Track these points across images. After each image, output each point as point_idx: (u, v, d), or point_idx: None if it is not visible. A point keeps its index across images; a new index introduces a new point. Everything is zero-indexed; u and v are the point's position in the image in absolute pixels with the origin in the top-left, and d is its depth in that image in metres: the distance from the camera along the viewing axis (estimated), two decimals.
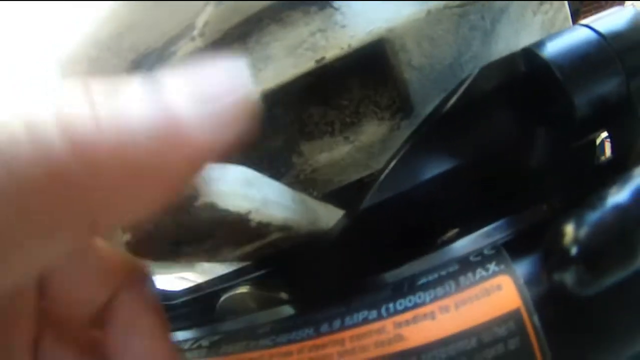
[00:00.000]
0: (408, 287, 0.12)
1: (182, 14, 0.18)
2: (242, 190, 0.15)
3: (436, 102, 0.20)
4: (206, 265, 0.26)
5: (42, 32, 0.18)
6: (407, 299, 0.12)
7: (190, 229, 0.15)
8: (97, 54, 0.19)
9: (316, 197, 0.21)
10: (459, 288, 0.11)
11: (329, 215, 0.20)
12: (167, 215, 0.14)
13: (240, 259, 0.19)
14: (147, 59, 0.18)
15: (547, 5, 0.22)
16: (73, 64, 0.19)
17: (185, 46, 0.18)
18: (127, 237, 0.15)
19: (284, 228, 0.17)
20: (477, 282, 0.11)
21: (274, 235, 0.17)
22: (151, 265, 0.25)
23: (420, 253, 0.13)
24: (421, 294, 0.11)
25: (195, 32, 0.18)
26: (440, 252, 0.13)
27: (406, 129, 0.20)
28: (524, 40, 0.22)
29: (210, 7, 0.17)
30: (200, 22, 0.17)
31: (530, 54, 0.14)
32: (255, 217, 0.15)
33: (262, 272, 0.17)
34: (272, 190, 0.16)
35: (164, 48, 0.18)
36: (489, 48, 0.20)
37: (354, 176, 0.21)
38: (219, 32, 0.18)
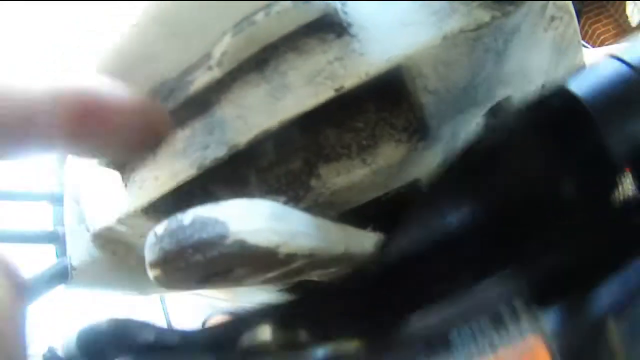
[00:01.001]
0: (441, 343, 0.12)
1: (198, 43, 0.18)
2: (270, 225, 0.15)
3: (451, 124, 0.21)
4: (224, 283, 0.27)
5: (56, 61, 0.19)
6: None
7: (220, 265, 0.15)
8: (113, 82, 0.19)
9: (333, 218, 0.21)
10: (493, 348, 0.11)
11: (348, 237, 0.21)
12: (198, 253, 0.14)
13: (263, 284, 0.20)
14: (163, 89, 0.19)
15: (557, 21, 0.22)
16: None
17: (202, 76, 0.18)
18: (156, 272, 0.15)
19: (308, 257, 0.17)
20: (511, 343, 0.11)
21: (298, 263, 0.18)
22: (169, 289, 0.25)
23: (447, 299, 0.14)
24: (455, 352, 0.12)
25: (212, 62, 0.18)
26: (469, 299, 0.14)
27: (423, 151, 0.20)
28: (536, 57, 0.23)
29: (227, 37, 0.18)
30: (217, 52, 0.18)
31: (562, 92, 0.14)
32: (283, 250, 0.16)
33: (283, 310, 0.18)
34: (299, 221, 0.17)
35: (180, 78, 0.18)
36: (501, 68, 0.21)
37: (370, 197, 0.22)
38: (236, 62, 0.18)
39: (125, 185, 0.21)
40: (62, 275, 0.24)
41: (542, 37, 0.22)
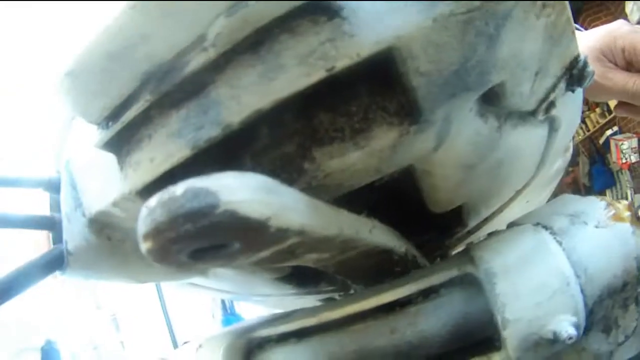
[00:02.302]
0: None
1: (193, 25, 0.19)
2: (261, 197, 0.16)
3: (444, 108, 0.21)
4: (219, 271, 0.27)
5: (53, 43, 0.19)
6: None
7: (211, 235, 0.15)
8: (109, 65, 0.19)
9: (327, 202, 0.22)
10: None
11: (341, 220, 0.22)
12: (189, 222, 0.15)
13: (256, 265, 0.20)
14: (159, 70, 0.19)
15: (549, 8, 0.23)
16: (85, 74, 0.20)
17: (197, 57, 0.19)
18: (148, 244, 0.16)
19: (300, 233, 0.18)
20: None
21: (290, 241, 0.18)
22: (164, 273, 0.26)
23: None
24: None
25: (207, 43, 0.19)
26: None
27: (416, 134, 0.21)
28: (529, 44, 0.23)
29: (221, 18, 0.18)
30: (212, 33, 0.18)
31: None
32: (275, 223, 0.16)
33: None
34: (289, 196, 0.17)
35: (176, 59, 0.19)
36: (494, 53, 0.22)
37: (364, 181, 0.23)
38: (231, 43, 0.19)
39: (121, 169, 0.22)
40: (57, 261, 0.24)
41: (534, 24, 0.23)
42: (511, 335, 0.22)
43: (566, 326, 0.22)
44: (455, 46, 0.20)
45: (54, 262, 0.24)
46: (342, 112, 0.21)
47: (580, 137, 3.41)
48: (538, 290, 0.22)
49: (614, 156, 3.22)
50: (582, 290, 0.23)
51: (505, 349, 0.23)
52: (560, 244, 0.23)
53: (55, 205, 0.26)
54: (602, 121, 3.30)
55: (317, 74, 0.18)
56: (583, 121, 3.33)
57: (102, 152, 0.23)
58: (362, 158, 0.21)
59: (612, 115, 3.18)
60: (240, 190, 0.15)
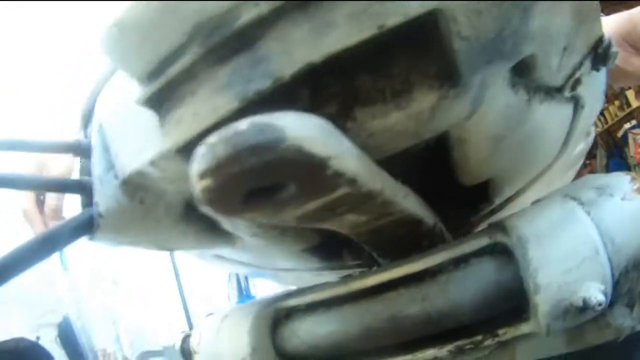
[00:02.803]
0: None
1: None
2: (325, 136, 0.16)
3: (480, 74, 0.22)
4: (247, 240, 0.27)
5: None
6: None
7: (274, 172, 0.16)
8: (159, 17, 0.20)
9: None
10: None
11: (384, 179, 0.22)
12: (254, 156, 0.15)
13: (299, 221, 0.21)
14: (209, 24, 0.20)
15: None
16: (134, 26, 0.20)
17: (249, 12, 0.19)
18: (206, 182, 0.16)
19: (351, 182, 0.18)
20: None
21: (341, 191, 0.19)
22: (194, 241, 0.26)
23: None
24: None
25: None
26: None
27: (454, 99, 0.22)
28: (558, 19, 0.25)
29: None
30: None
31: None
32: (334, 165, 0.16)
33: None
34: (346, 142, 0.18)
35: (228, 13, 0.20)
36: (526, 24, 0.23)
37: (403, 144, 0.23)
38: None
39: (162, 126, 0.22)
40: (86, 225, 0.24)
41: (564, 0, 0.24)
42: (542, 301, 0.23)
43: (595, 293, 0.23)
44: (493, 14, 0.21)
45: (83, 226, 0.24)
46: (384, 73, 0.21)
47: (598, 129, 3.35)
48: (568, 257, 0.23)
49: (631, 150, 3.20)
50: (609, 259, 0.24)
51: (535, 317, 0.24)
52: (588, 213, 0.24)
53: (85, 170, 0.26)
54: (621, 114, 3.27)
55: (369, 31, 0.19)
56: (601, 114, 3.30)
57: (138, 112, 0.23)
58: (402, 119, 0.21)
59: (630, 109, 3.15)
60: (306, 128, 0.16)
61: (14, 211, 0.38)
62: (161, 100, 0.22)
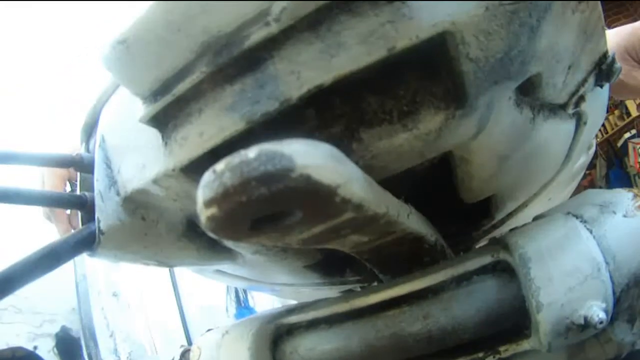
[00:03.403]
0: None
1: None
2: (334, 164, 0.16)
3: (487, 95, 0.22)
4: (248, 257, 0.27)
5: (111, 12, 0.19)
6: None
7: (282, 201, 0.16)
8: (166, 35, 0.20)
9: None
10: None
11: (388, 200, 0.22)
12: (263, 186, 0.15)
13: (303, 243, 0.21)
14: (217, 43, 0.20)
15: (584, 4, 0.24)
16: (140, 44, 0.20)
17: (259, 31, 0.19)
18: (212, 210, 0.16)
19: (358, 207, 0.18)
20: None
21: (346, 216, 0.19)
22: (195, 257, 0.26)
23: None
24: None
25: (270, 18, 0.19)
26: None
27: (460, 119, 0.22)
28: (565, 37, 0.25)
29: None
30: (277, 8, 0.19)
31: None
32: (342, 192, 0.16)
33: None
34: (354, 169, 0.18)
35: (236, 32, 0.19)
36: (534, 44, 0.23)
37: (408, 164, 0.23)
38: (293, 19, 0.19)
39: (165, 144, 0.22)
40: (88, 241, 0.24)
41: (570, 19, 0.24)
42: (545, 319, 0.23)
43: (597, 311, 0.23)
44: (502, 35, 0.21)
45: (85, 242, 0.24)
46: (391, 95, 0.21)
47: (598, 139, 3.39)
48: (571, 275, 0.23)
49: (631, 159, 3.23)
50: (611, 277, 0.24)
51: (536, 334, 0.24)
52: (590, 231, 0.24)
53: (85, 185, 0.25)
54: (621, 124, 3.31)
55: (378, 53, 0.19)
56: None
57: (142, 128, 0.22)
58: (409, 140, 0.22)
59: (630, 118, 3.19)
60: (314, 156, 0.16)
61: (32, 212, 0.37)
62: (166, 119, 0.22)
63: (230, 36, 0.19)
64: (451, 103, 0.22)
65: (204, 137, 0.21)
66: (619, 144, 3.42)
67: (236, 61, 0.20)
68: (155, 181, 0.22)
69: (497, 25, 0.21)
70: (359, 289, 0.32)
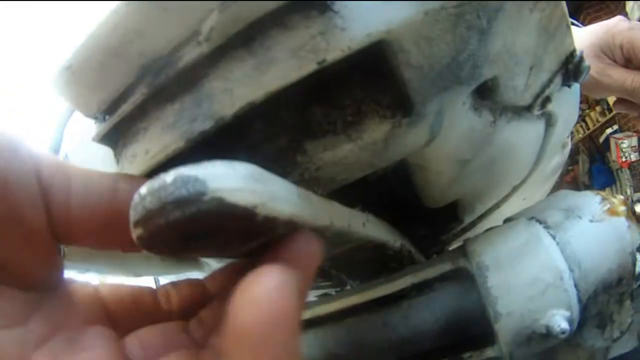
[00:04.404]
0: None
1: (188, 20, 0.19)
2: (248, 185, 0.16)
3: (436, 101, 0.22)
4: (214, 265, 0.28)
5: (51, 39, 0.20)
6: None
7: (199, 223, 0.16)
8: (106, 59, 0.20)
9: (322, 195, 0.22)
10: None
11: (332, 211, 0.22)
12: (178, 209, 0.15)
13: (248, 255, 0.21)
14: (154, 65, 0.20)
15: (543, 2, 0.23)
16: (83, 68, 0.20)
17: (191, 51, 0.20)
18: (139, 231, 0.16)
19: (289, 223, 0.18)
20: None
21: (280, 231, 0.19)
22: (161, 267, 0.26)
23: None
24: None
25: (201, 37, 0.19)
26: None
27: (408, 127, 0.22)
28: (523, 38, 0.24)
29: (215, 13, 0.19)
30: (205, 28, 0.19)
31: None
32: (262, 212, 0.17)
33: None
34: (279, 186, 0.18)
35: (171, 54, 0.20)
36: (486, 46, 0.22)
37: (358, 174, 0.23)
38: (224, 37, 0.19)
39: (117, 162, 0.23)
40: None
41: (528, 18, 0.23)
42: (503, 329, 0.23)
43: (559, 320, 0.23)
44: (446, 40, 0.21)
45: None
46: (335, 105, 0.21)
47: (580, 135, 3.45)
48: (531, 284, 0.23)
49: (613, 155, 3.25)
50: (575, 285, 0.23)
51: (497, 343, 0.24)
52: (553, 237, 0.24)
53: None
54: (602, 120, 3.34)
55: (308, 67, 0.19)
56: (583, 120, 3.37)
57: (99, 146, 0.23)
58: (354, 151, 0.21)
59: (612, 114, 3.21)
60: (228, 178, 0.16)
61: None
62: (116, 137, 0.22)
63: (167, 58, 0.20)
64: (397, 111, 0.21)
65: (149, 155, 0.21)
66: (601, 139, 3.40)
67: (174, 81, 0.20)
68: None
69: (440, 30, 0.21)
70: (333, 293, 0.33)
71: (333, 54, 0.19)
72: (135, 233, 0.17)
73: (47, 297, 0.18)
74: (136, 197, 0.16)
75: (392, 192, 0.27)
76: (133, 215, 0.16)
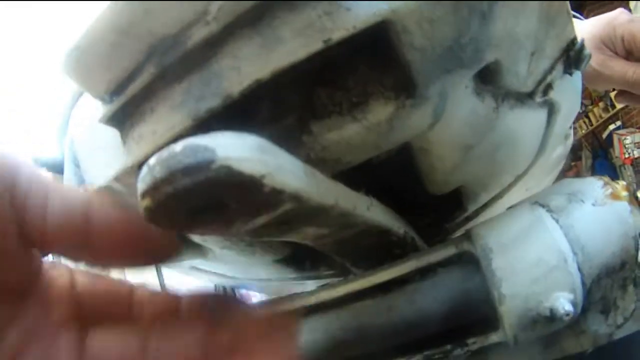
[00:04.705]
0: None
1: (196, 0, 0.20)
2: (257, 155, 0.17)
3: (439, 84, 0.22)
4: (217, 252, 0.28)
5: (60, 19, 0.21)
6: None
7: (207, 192, 0.16)
8: (114, 39, 0.21)
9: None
10: None
11: (338, 192, 0.23)
12: (187, 177, 0.16)
13: (252, 234, 0.21)
14: (162, 45, 0.21)
15: None
16: (92, 49, 0.21)
17: (200, 31, 0.20)
18: (146, 202, 0.17)
19: (295, 197, 0.19)
20: None
21: (286, 206, 0.19)
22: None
23: None
24: None
25: (209, 17, 0.20)
26: None
27: (412, 109, 0.22)
28: (523, 22, 0.25)
29: None
30: (214, 7, 0.20)
31: None
32: (269, 182, 0.17)
33: None
34: (286, 160, 0.18)
35: (179, 33, 0.20)
36: (487, 30, 0.23)
37: (363, 156, 0.24)
38: (231, 17, 0.20)
39: (124, 143, 0.23)
40: None
41: (528, 3, 0.24)
42: (508, 312, 0.23)
43: (563, 303, 0.23)
44: (448, 22, 0.21)
45: None
46: (340, 86, 0.22)
47: (583, 131, 3.48)
48: (535, 266, 0.23)
49: (616, 151, 3.27)
50: (579, 268, 0.24)
51: (502, 327, 0.24)
52: (557, 221, 0.24)
53: None
54: (605, 115, 3.36)
55: (314, 45, 0.19)
56: (586, 115, 3.39)
57: (106, 129, 0.24)
58: (359, 131, 0.22)
59: (615, 110, 3.24)
60: (237, 148, 0.16)
61: None
62: (123, 118, 0.23)
63: (175, 37, 0.21)
64: (400, 93, 0.22)
65: (156, 135, 0.22)
66: (604, 135, 3.44)
67: (182, 61, 0.21)
68: (117, 178, 0.24)
69: (442, 12, 0.21)
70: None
71: (339, 33, 0.20)
72: (142, 205, 0.17)
73: (22, 306, 0.18)
74: (144, 169, 0.17)
75: (396, 179, 0.28)
76: (141, 186, 0.17)
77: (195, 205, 0.17)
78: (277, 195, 0.18)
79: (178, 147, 0.16)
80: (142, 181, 0.17)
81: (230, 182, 0.16)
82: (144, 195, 0.17)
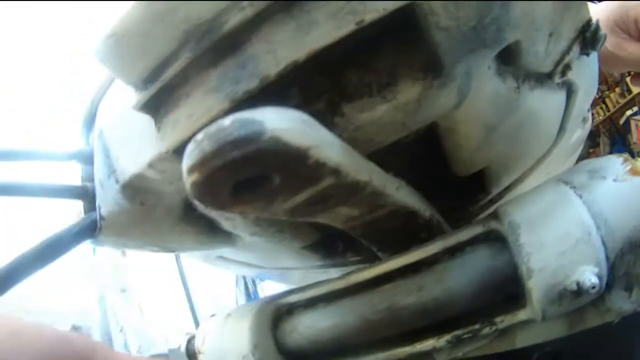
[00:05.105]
0: None
1: None
2: (303, 128, 0.18)
3: (464, 63, 0.24)
4: (247, 240, 0.29)
5: (97, 6, 0.22)
6: None
7: (256, 164, 0.17)
8: (150, 26, 0.22)
9: None
10: None
11: (372, 170, 0.24)
12: (236, 149, 0.17)
13: (289, 214, 0.23)
14: (197, 30, 0.22)
15: None
16: (128, 36, 0.22)
17: (235, 16, 0.21)
18: (194, 176, 0.18)
19: (335, 172, 0.20)
20: None
21: (326, 182, 0.20)
22: (194, 242, 0.28)
23: None
24: None
25: (245, 3, 0.21)
26: None
27: (439, 89, 0.23)
28: (540, 4, 0.26)
29: None
30: None
31: None
32: (314, 154, 0.18)
33: None
34: (327, 134, 0.19)
35: (216, 18, 0.22)
36: (507, 11, 0.24)
37: (393, 136, 0.25)
38: (266, 2, 0.21)
39: (158, 129, 0.24)
40: (89, 229, 0.27)
41: None
42: (536, 285, 0.24)
43: (589, 276, 0.24)
44: (472, 3, 0.23)
45: (86, 230, 0.26)
46: (369, 68, 0.23)
47: (600, 117, 3.47)
48: (561, 240, 0.24)
49: (634, 136, 3.27)
50: (603, 242, 0.25)
51: (530, 303, 0.25)
52: (580, 197, 0.25)
53: (87, 176, 0.28)
54: (622, 101, 3.36)
55: (347, 27, 0.21)
56: (603, 101, 3.39)
57: (136, 117, 0.25)
58: (389, 111, 0.23)
59: (631, 95, 3.24)
60: (284, 121, 0.18)
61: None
62: (157, 105, 0.24)
63: (210, 23, 0.22)
64: (428, 73, 0.23)
65: (192, 118, 0.23)
66: (621, 121, 3.45)
67: (217, 46, 0.22)
68: (150, 165, 0.25)
69: None
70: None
71: (370, 15, 0.21)
72: (190, 179, 0.18)
73: None
74: (192, 144, 0.18)
75: (422, 163, 0.29)
76: (188, 161, 0.18)
77: (240, 179, 0.18)
78: (319, 169, 0.19)
79: (227, 121, 0.17)
80: (190, 156, 0.18)
81: (278, 153, 0.17)
82: (192, 170, 0.17)
